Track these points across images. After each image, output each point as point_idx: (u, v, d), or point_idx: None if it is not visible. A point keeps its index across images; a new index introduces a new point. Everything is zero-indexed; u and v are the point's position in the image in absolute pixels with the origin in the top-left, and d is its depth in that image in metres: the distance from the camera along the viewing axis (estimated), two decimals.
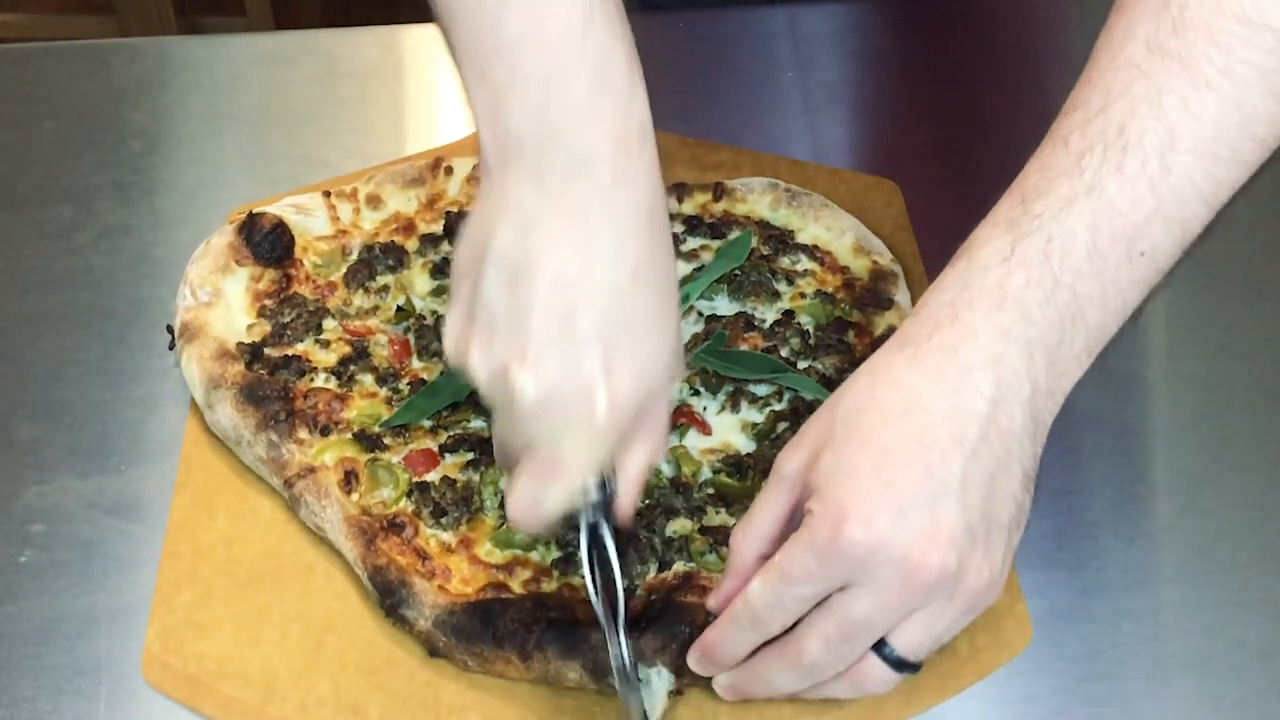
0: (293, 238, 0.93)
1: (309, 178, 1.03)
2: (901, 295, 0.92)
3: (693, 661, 0.72)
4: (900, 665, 0.67)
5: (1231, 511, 0.84)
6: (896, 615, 0.65)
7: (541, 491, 0.66)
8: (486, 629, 0.73)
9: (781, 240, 0.95)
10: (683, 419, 0.85)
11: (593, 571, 0.69)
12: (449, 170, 0.99)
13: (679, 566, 0.78)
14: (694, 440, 0.85)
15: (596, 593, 0.69)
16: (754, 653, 0.69)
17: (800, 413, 0.84)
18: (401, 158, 1.02)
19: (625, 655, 0.69)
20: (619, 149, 0.63)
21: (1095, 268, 0.66)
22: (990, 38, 1.20)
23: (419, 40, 1.17)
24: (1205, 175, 0.66)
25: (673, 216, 0.96)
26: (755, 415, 0.86)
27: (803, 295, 0.92)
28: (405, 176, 0.98)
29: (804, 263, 0.94)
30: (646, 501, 0.80)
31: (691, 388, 0.87)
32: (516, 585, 0.76)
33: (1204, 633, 0.78)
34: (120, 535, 0.82)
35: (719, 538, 0.78)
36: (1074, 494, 0.85)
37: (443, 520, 0.79)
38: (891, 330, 0.85)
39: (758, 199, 0.99)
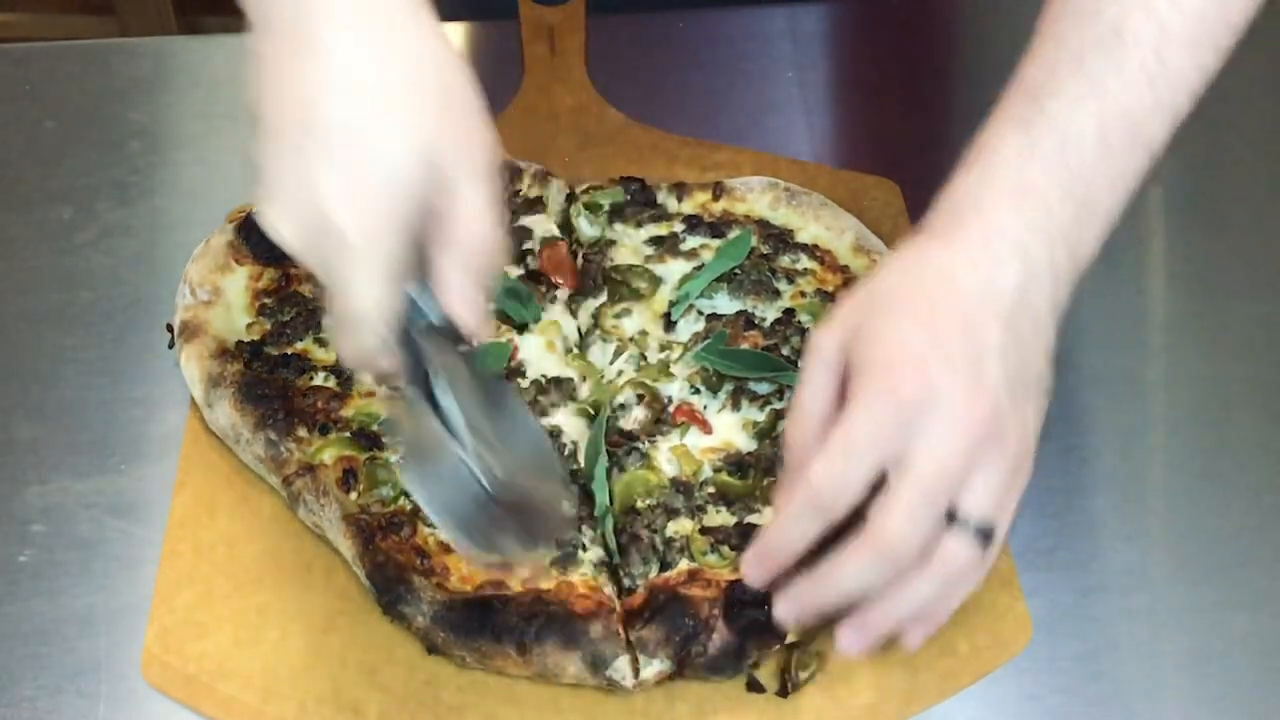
0: None
1: None
2: None
3: (749, 566, 0.70)
4: (979, 534, 0.65)
5: (1231, 511, 0.84)
6: (961, 465, 0.64)
7: (343, 328, 0.65)
8: (485, 624, 0.73)
9: (781, 239, 0.95)
10: (683, 418, 0.85)
11: (430, 395, 0.66)
12: None
13: (682, 566, 0.78)
14: (695, 439, 0.84)
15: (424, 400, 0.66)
16: (814, 564, 0.67)
17: None
18: None
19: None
20: None
21: (1105, 162, 0.71)
22: (990, 38, 1.20)
23: None
24: (1194, 65, 0.72)
25: (671, 216, 0.97)
26: (756, 414, 0.85)
27: (803, 294, 0.92)
28: None
29: (804, 261, 0.94)
30: (648, 502, 0.80)
31: (692, 387, 0.86)
32: (515, 583, 0.76)
33: (1204, 633, 0.78)
34: (120, 535, 0.82)
35: (720, 537, 0.78)
36: (1074, 494, 0.85)
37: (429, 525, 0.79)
38: None
39: (757, 198, 0.98)
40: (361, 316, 0.64)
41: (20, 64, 1.14)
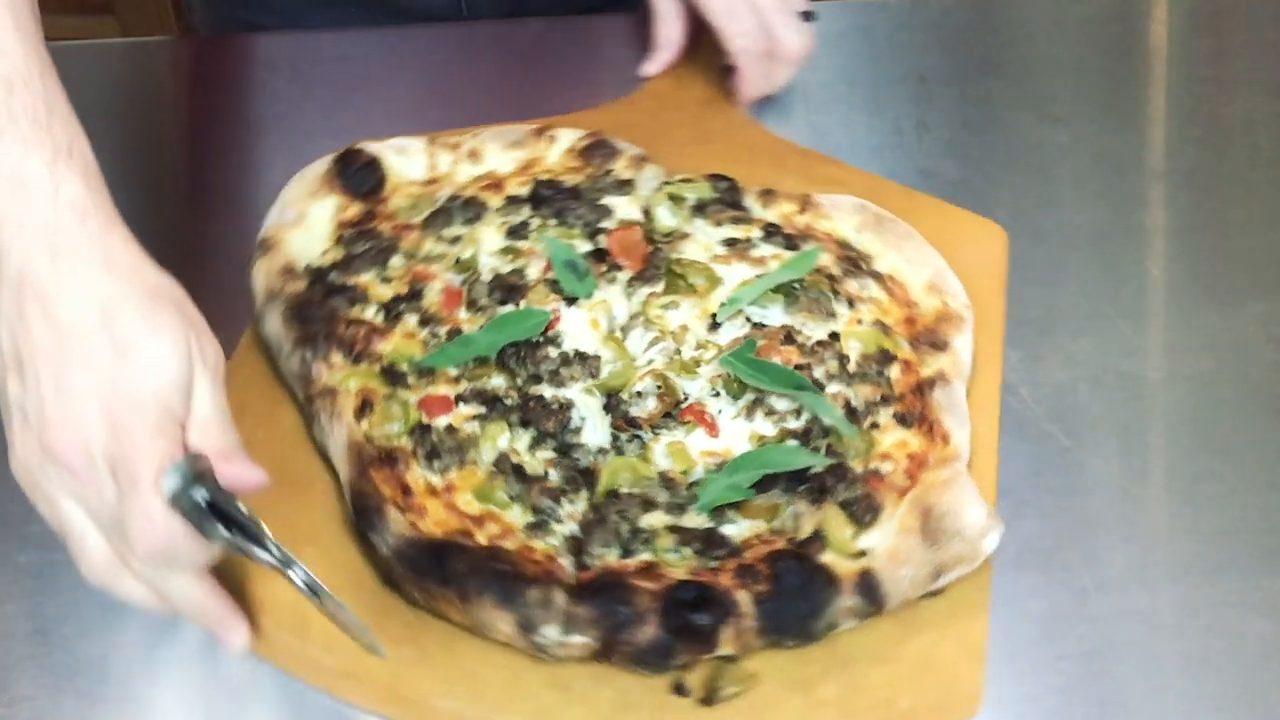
0: (384, 175, 0.97)
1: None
2: (961, 340, 0.89)
3: (739, 100, 1.09)
4: (805, 16, 1.04)
5: (1231, 511, 0.84)
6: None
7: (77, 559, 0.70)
8: (436, 567, 0.75)
9: (855, 263, 0.92)
10: (691, 416, 0.85)
11: (235, 537, 0.69)
12: (552, 139, 1.01)
13: (643, 557, 0.77)
14: (698, 439, 0.84)
15: (247, 543, 0.69)
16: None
17: (813, 434, 0.83)
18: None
19: (301, 578, 0.70)
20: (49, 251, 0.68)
21: None
22: (990, 38, 1.20)
23: (415, 41, 1.17)
24: None
25: (753, 220, 0.96)
26: (768, 428, 0.84)
27: (859, 321, 0.89)
28: (509, 138, 1.01)
29: (872, 289, 0.91)
30: (629, 490, 0.80)
31: (713, 389, 0.86)
32: (482, 537, 0.77)
33: (1204, 633, 0.78)
34: None
35: (687, 538, 0.78)
36: (1074, 494, 0.85)
37: (434, 463, 0.81)
38: (940, 375, 0.85)
39: (843, 218, 0.96)
40: (80, 547, 0.69)
41: None
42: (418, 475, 0.81)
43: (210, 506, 0.67)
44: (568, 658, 0.74)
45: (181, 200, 1.03)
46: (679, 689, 0.74)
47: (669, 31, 1.11)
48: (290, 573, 0.70)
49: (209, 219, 1.02)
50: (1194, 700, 0.76)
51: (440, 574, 0.74)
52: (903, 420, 0.83)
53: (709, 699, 0.73)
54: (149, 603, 0.71)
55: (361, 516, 0.78)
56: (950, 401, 0.84)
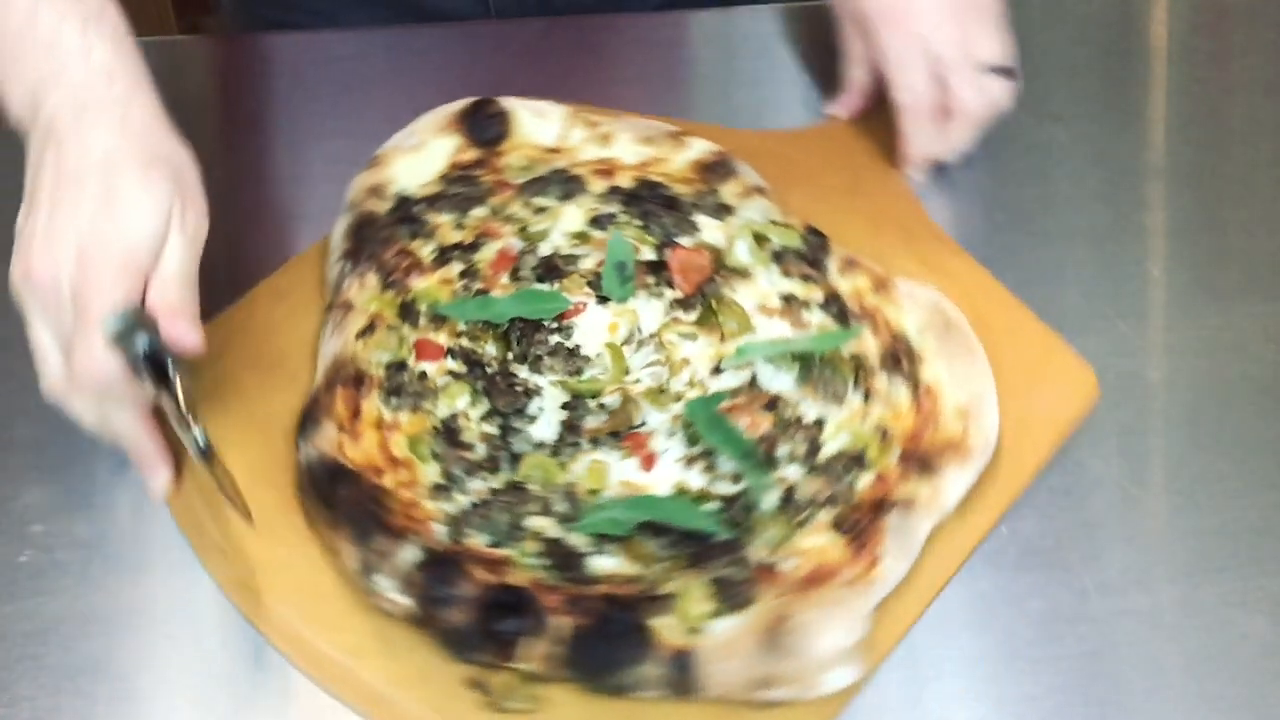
0: (509, 130, 0.99)
1: (308, 176, 1.03)
2: (956, 475, 0.81)
3: (907, 165, 1.01)
4: (1002, 71, 0.97)
5: (1231, 511, 0.84)
6: (964, 31, 0.96)
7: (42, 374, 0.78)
8: (329, 487, 0.78)
9: (898, 361, 0.85)
10: (629, 444, 0.83)
11: (159, 384, 0.75)
12: (683, 145, 0.99)
13: (505, 551, 0.77)
14: (627, 467, 0.82)
15: (166, 396, 0.76)
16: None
17: (736, 505, 0.79)
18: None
19: (197, 439, 0.76)
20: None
21: None
22: None
23: (418, 41, 1.17)
24: None
25: (820, 284, 0.90)
26: (698, 482, 0.81)
27: (863, 418, 0.83)
28: (645, 132, 0.99)
29: (900, 393, 0.84)
30: (534, 489, 0.80)
31: (671, 428, 0.83)
32: (389, 481, 0.79)
33: (1204, 633, 0.79)
34: (120, 535, 0.82)
35: (551, 551, 0.77)
36: (1074, 494, 0.85)
37: (392, 400, 0.84)
38: (909, 501, 0.79)
39: (913, 312, 0.88)
40: (44, 371, 0.78)
41: None
42: (374, 405, 0.83)
43: (148, 358, 0.74)
44: (394, 613, 0.75)
45: None
46: (478, 685, 0.74)
47: (857, 75, 1.04)
48: (192, 433, 0.75)
49: (211, 218, 1.01)
50: (1194, 700, 0.76)
51: (328, 494, 0.78)
52: (838, 526, 0.78)
53: (495, 704, 0.73)
54: (94, 427, 0.79)
55: (304, 420, 0.82)
56: (904, 529, 0.78)
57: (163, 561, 0.81)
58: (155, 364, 0.74)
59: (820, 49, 1.10)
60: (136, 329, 0.74)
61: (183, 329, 0.75)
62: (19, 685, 0.76)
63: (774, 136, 1.05)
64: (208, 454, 0.75)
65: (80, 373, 0.75)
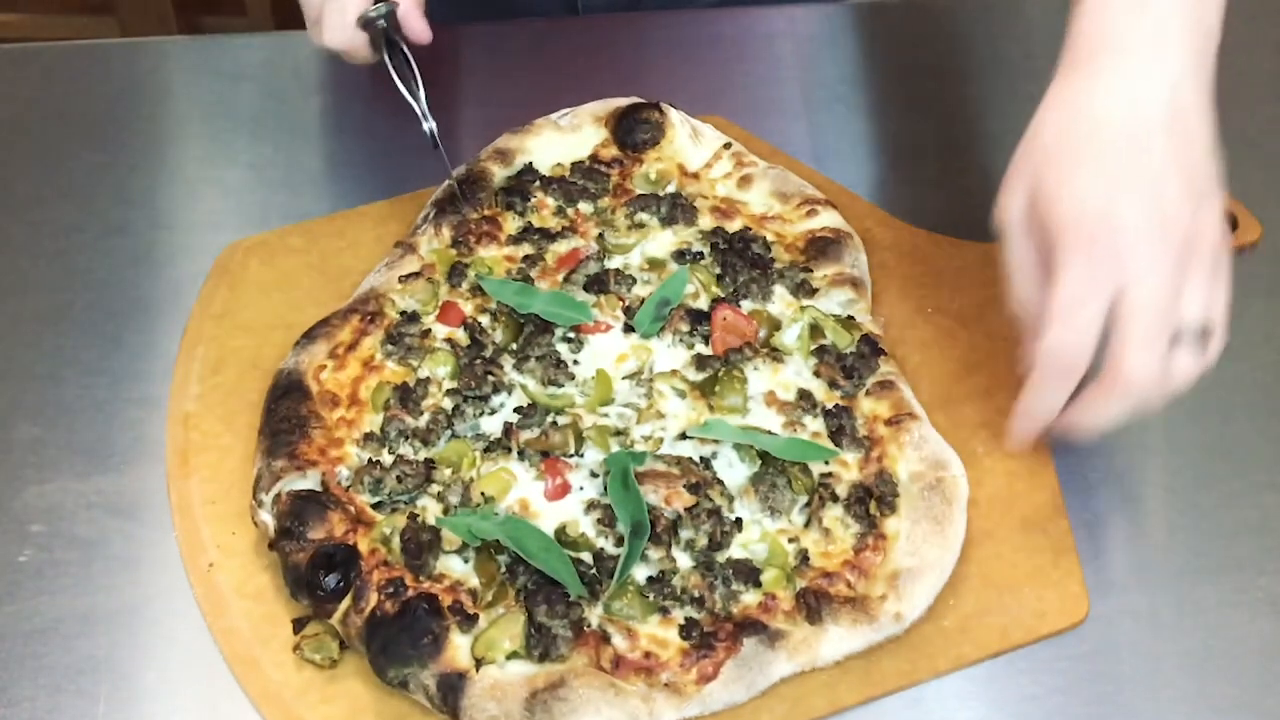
0: (656, 140, 1.01)
1: (308, 176, 1.04)
2: (838, 633, 0.76)
3: (1017, 431, 0.81)
4: (1200, 336, 0.75)
5: (1231, 511, 0.84)
6: (1172, 289, 0.73)
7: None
8: (279, 397, 0.85)
9: (865, 505, 0.81)
10: (548, 468, 0.82)
11: (397, 69, 0.94)
12: (814, 214, 0.96)
13: (377, 515, 0.80)
14: (532, 489, 0.82)
15: (401, 83, 0.94)
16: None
17: (600, 566, 0.78)
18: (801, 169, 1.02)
19: (432, 127, 0.93)
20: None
21: None
22: (990, 38, 1.20)
23: (522, 35, 1.17)
24: None
25: (843, 395, 0.87)
26: (587, 529, 0.80)
27: (791, 539, 0.80)
28: (785, 188, 0.98)
29: (843, 535, 0.80)
30: (442, 471, 0.82)
31: (597, 469, 0.82)
32: (338, 413, 0.85)
33: (1204, 633, 0.79)
34: (120, 535, 0.82)
35: (410, 533, 0.79)
36: (1074, 494, 0.85)
37: (387, 345, 0.88)
38: (758, 624, 0.75)
39: (911, 460, 0.83)
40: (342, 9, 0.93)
41: (20, 64, 1.15)
42: (374, 343, 0.88)
43: (387, 39, 0.94)
44: (262, 528, 0.81)
45: (182, 200, 1.03)
46: (296, 624, 0.77)
47: (1027, 292, 0.80)
48: (416, 99, 0.93)
49: (209, 219, 1.02)
50: (1194, 700, 0.76)
51: (271, 402, 0.85)
52: (687, 630, 0.75)
53: (297, 647, 0.76)
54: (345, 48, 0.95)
55: (307, 332, 0.88)
56: (756, 662, 0.74)
57: (162, 561, 0.81)
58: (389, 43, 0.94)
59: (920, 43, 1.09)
60: (384, 15, 0.94)
61: (414, 21, 0.95)
62: (19, 685, 0.76)
63: (933, 239, 0.98)
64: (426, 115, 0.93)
65: (328, 32, 0.93)
